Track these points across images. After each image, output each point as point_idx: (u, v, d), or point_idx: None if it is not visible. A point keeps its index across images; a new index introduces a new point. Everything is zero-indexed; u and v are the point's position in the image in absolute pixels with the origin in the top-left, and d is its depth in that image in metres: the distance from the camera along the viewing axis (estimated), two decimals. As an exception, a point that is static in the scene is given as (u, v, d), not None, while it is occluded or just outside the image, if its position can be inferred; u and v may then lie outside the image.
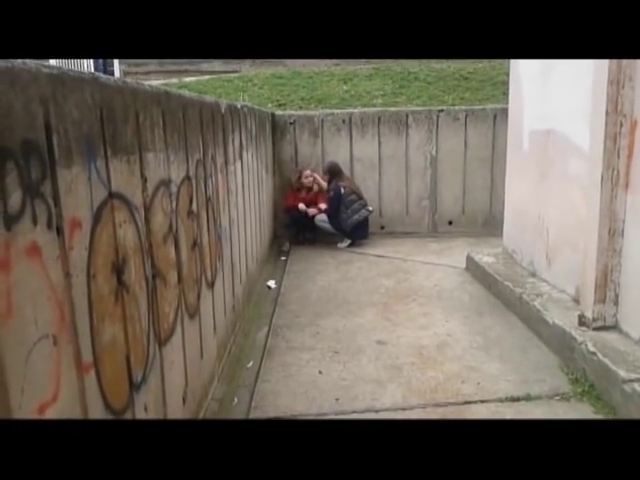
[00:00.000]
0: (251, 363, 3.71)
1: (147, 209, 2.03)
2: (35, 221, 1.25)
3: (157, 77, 12.74)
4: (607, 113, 3.32)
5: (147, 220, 2.02)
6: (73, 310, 1.41)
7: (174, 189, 2.42)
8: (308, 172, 7.20)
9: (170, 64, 14.69)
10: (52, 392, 1.29)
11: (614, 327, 3.49)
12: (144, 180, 2.00)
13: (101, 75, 1.71)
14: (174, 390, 2.31)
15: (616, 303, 3.49)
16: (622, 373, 2.94)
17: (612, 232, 3.41)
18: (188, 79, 11.17)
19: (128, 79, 2.14)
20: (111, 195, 1.68)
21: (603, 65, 3.31)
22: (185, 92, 2.92)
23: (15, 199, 1.17)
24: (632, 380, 2.88)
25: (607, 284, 3.48)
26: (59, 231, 1.36)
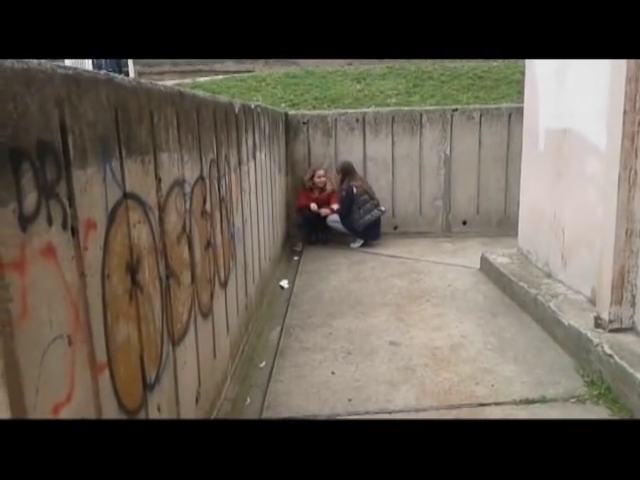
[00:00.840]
0: (264, 363, 3.71)
1: (161, 209, 2.03)
2: (50, 222, 1.25)
3: (171, 77, 12.81)
4: (625, 112, 3.27)
5: (161, 220, 2.03)
6: (88, 310, 1.42)
7: (188, 189, 2.42)
8: (321, 172, 7.18)
9: (184, 64, 14.76)
10: (66, 392, 1.30)
11: (631, 329, 3.44)
12: (158, 180, 2.01)
13: (116, 76, 1.71)
14: (187, 390, 2.31)
15: (633, 305, 3.44)
16: None
17: (629, 233, 3.36)
18: (202, 79, 11.22)
19: (142, 79, 2.15)
20: (125, 195, 1.68)
21: (621, 63, 3.27)
22: (199, 92, 2.92)
23: (30, 200, 1.17)
24: (650, 383, 2.84)
25: (624, 285, 3.43)
26: (74, 231, 1.36)
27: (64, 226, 1.31)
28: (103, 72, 1.65)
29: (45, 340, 1.23)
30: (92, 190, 1.46)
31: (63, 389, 1.29)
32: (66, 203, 1.33)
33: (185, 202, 2.37)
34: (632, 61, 3.22)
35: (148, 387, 1.84)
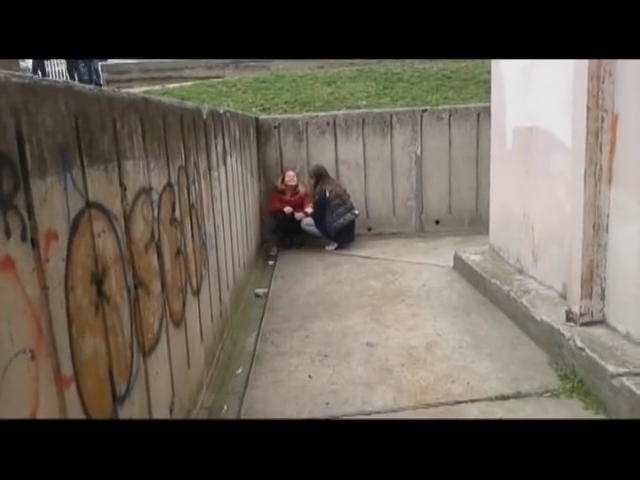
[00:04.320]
0: (240, 370, 3.68)
1: (127, 218, 2.00)
2: (8, 234, 1.22)
3: (140, 84, 12.68)
4: (588, 108, 3.33)
5: (127, 229, 1.99)
6: (51, 323, 1.38)
7: (155, 197, 2.39)
8: (291, 173, 7.19)
9: (153, 71, 14.63)
10: (30, 408, 1.26)
11: (601, 322, 3.50)
12: (123, 188, 1.97)
13: (76, 84, 1.68)
14: (160, 401, 2.27)
15: (602, 298, 3.50)
16: (610, 368, 2.95)
17: (597, 227, 3.43)
18: (171, 86, 11.13)
19: (110, 87, 2.12)
20: (88, 205, 1.65)
21: (583, 61, 3.33)
22: (167, 98, 2.89)
23: (-14, 212, 1.14)
24: (620, 374, 2.88)
25: (593, 279, 3.49)
26: (34, 243, 1.33)
27: (23, 238, 1.28)
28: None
29: (6, 355, 1.19)
30: (52, 200, 1.43)
31: (27, 405, 1.25)
32: (25, 214, 1.29)
33: (153, 210, 2.33)
34: (593, 59, 3.28)
35: (118, 400, 1.80)
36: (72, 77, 10.72)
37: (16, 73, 1.36)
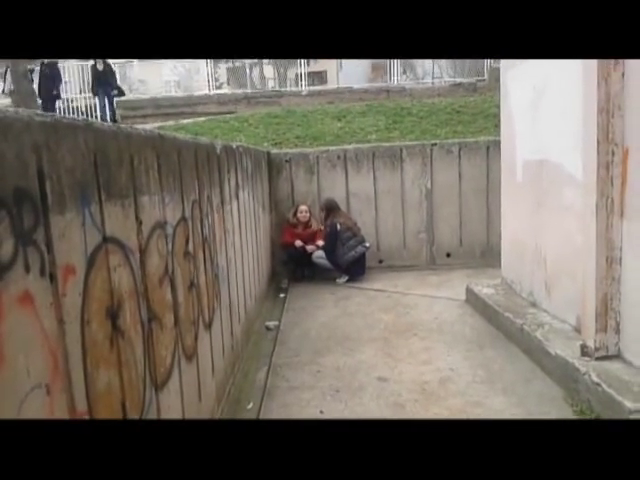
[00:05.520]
0: (251, 405, 3.65)
1: (142, 252, 2.02)
2: (27, 269, 1.24)
3: (154, 120, 12.94)
4: (598, 142, 3.35)
5: (142, 263, 2.02)
6: (67, 358, 1.39)
7: (170, 231, 2.42)
8: (304, 207, 7.22)
9: (167, 107, 14.96)
10: (45, 443, 1.26)
11: (617, 356, 3.45)
12: (139, 223, 2.00)
13: (95, 121, 1.73)
14: (172, 435, 2.25)
15: (618, 332, 3.46)
16: (628, 404, 2.90)
17: (610, 260, 3.41)
18: (185, 121, 11.35)
19: (125, 123, 2.17)
20: (105, 239, 1.68)
21: (592, 94, 3.36)
22: (181, 134, 2.95)
23: (7, 247, 1.17)
24: (639, 411, 2.83)
25: (607, 313, 3.45)
26: (52, 278, 1.35)
27: (42, 273, 1.30)
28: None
29: (22, 390, 1.20)
30: (71, 235, 1.45)
31: (41, 440, 1.26)
32: (44, 249, 1.32)
33: (167, 244, 2.36)
34: (602, 93, 3.32)
35: (131, 434, 1.79)
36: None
37: (38, 112, 1.41)
